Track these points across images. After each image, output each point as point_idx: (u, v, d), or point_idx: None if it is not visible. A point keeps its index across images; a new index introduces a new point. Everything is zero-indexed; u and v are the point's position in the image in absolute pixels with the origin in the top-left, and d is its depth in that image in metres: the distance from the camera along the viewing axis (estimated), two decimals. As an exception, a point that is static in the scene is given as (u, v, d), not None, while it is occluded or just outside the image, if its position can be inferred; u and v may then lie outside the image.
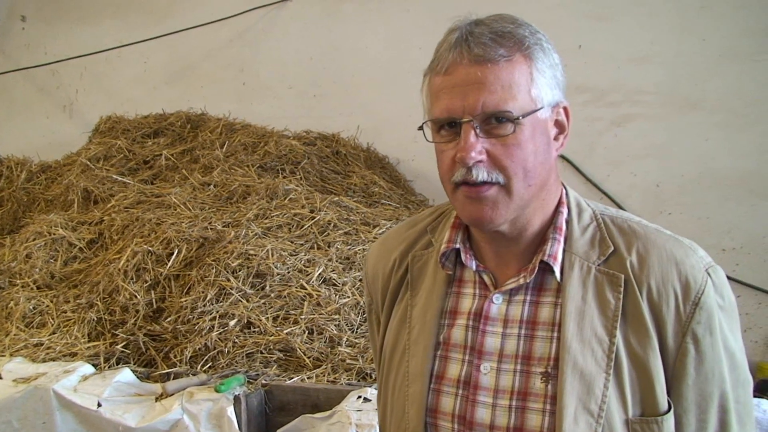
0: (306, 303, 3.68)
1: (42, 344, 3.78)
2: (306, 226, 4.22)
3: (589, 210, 1.53)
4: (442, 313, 1.56)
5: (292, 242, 4.09)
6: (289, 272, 3.83)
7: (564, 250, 1.46)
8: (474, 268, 1.53)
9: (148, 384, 3.39)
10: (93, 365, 3.55)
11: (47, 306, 4.06)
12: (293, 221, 4.28)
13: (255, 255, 3.86)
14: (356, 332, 3.62)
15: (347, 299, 3.72)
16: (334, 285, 3.83)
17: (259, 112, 5.87)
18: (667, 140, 4.92)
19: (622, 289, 1.41)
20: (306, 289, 3.75)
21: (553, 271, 1.45)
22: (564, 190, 1.55)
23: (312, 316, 3.61)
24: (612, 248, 1.45)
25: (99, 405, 3.18)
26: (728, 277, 4.38)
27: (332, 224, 4.25)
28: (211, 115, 5.89)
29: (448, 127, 1.42)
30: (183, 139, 5.65)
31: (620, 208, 4.89)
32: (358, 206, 4.53)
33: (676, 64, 4.91)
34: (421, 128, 1.49)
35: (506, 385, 1.44)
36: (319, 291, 3.75)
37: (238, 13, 6.12)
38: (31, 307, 4.05)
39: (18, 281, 4.28)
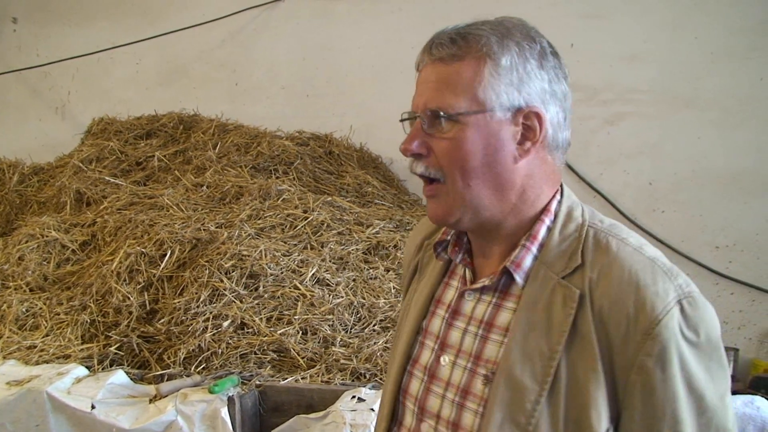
0: (300, 303, 3.68)
1: (35, 346, 3.77)
2: (299, 227, 4.21)
3: (578, 220, 1.46)
4: (432, 301, 1.62)
5: (285, 243, 4.09)
6: (282, 273, 3.83)
7: (537, 258, 1.44)
8: (458, 260, 1.58)
9: (142, 386, 3.38)
10: (86, 367, 3.54)
11: (40, 308, 4.05)
12: (286, 222, 4.27)
13: (248, 256, 3.85)
14: (350, 332, 3.62)
15: (341, 299, 3.72)
16: (328, 285, 3.83)
17: (251, 113, 5.86)
18: (660, 138, 4.94)
19: (575, 305, 1.34)
20: (299, 289, 3.74)
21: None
22: (559, 198, 1.50)
23: (306, 317, 3.61)
24: (579, 262, 1.39)
25: (93, 407, 3.17)
26: (721, 275, 4.35)
27: (325, 224, 4.24)
28: (204, 116, 5.87)
29: (413, 121, 1.49)
30: (175, 140, 5.63)
31: (613, 206, 4.92)
32: (351, 206, 4.53)
33: (668, 63, 4.92)
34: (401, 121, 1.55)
35: (456, 380, 1.47)
36: (312, 291, 3.74)
37: (230, 14, 6.11)
38: (24, 310, 4.04)
39: (11, 283, 4.26)
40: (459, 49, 1.41)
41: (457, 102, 1.40)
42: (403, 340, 1.62)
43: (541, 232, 1.45)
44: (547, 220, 1.46)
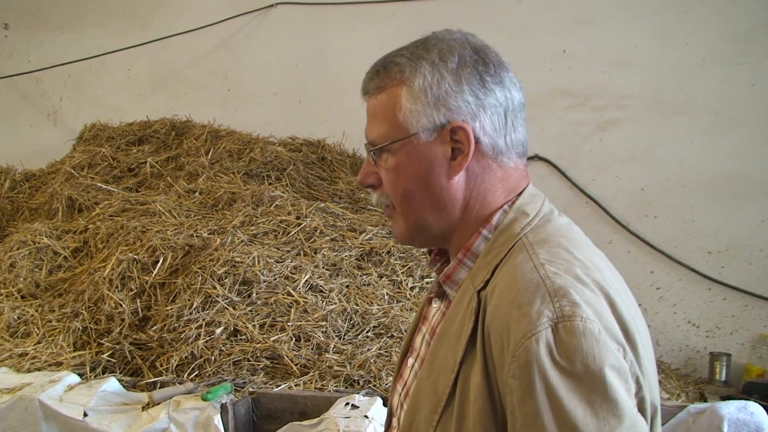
0: (293, 310, 3.68)
1: (27, 354, 3.76)
2: (292, 233, 4.21)
3: (515, 231, 1.40)
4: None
5: (278, 249, 4.08)
6: (275, 279, 3.82)
7: (469, 270, 1.43)
8: (434, 269, 1.63)
9: (135, 393, 3.37)
10: (79, 375, 3.53)
11: (32, 315, 4.03)
12: (279, 228, 4.27)
13: (241, 262, 3.85)
14: (343, 339, 3.62)
15: (334, 306, 3.72)
16: (321, 291, 3.82)
17: (244, 119, 5.86)
18: (651, 144, 4.95)
19: (474, 318, 1.31)
20: (293, 295, 3.74)
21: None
22: (506, 208, 1.46)
23: (299, 323, 3.60)
24: (489, 275, 1.35)
25: (85, 415, 3.16)
26: (713, 280, 4.35)
27: (318, 231, 4.24)
28: (196, 122, 5.87)
29: None
30: (168, 146, 5.63)
31: (606, 212, 4.93)
32: (344, 212, 4.53)
33: (659, 68, 4.94)
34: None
35: (409, 381, 1.54)
36: (305, 298, 3.74)
37: (223, 20, 6.11)
38: (15, 317, 4.02)
39: (2, 291, 4.25)
40: (380, 80, 1.47)
41: (384, 132, 1.46)
42: (403, 345, 1.69)
43: (476, 243, 1.45)
44: (485, 231, 1.45)
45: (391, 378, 3.09)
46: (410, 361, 1.57)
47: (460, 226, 1.47)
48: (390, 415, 1.67)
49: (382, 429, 1.73)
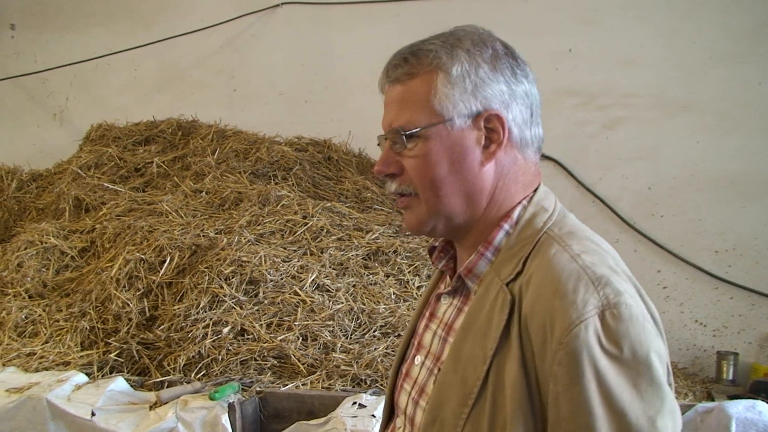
0: (300, 309, 3.68)
1: (35, 354, 3.77)
2: (299, 232, 4.21)
3: (538, 226, 1.43)
4: (427, 303, 1.66)
5: (285, 248, 4.09)
6: (282, 278, 3.82)
7: (492, 262, 1.44)
8: (440, 266, 1.63)
9: (142, 392, 3.38)
10: (86, 374, 3.54)
11: (39, 315, 4.04)
12: (286, 227, 4.27)
13: (248, 262, 3.85)
14: (350, 338, 3.62)
15: (341, 305, 3.72)
16: (328, 291, 3.83)
17: (250, 119, 5.86)
18: (657, 143, 4.95)
19: (508, 311, 1.32)
20: (299, 295, 3.74)
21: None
22: (525, 203, 1.49)
23: (306, 323, 3.61)
24: (521, 268, 1.37)
25: (93, 414, 3.16)
26: (720, 279, 4.33)
27: (325, 230, 4.24)
28: (202, 122, 5.88)
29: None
30: (174, 146, 5.63)
31: (612, 211, 4.93)
32: (350, 212, 4.54)
33: (665, 67, 4.93)
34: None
35: (420, 379, 1.52)
36: (312, 297, 3.74)
37: (228, 20, 6.11)
38: (23, 317, 4.03)
39: (10, 290, 4.26)
40: (411, 67, 1.46)
41: (417, 118, 1.44)
42: (402, 342, 1.69)
43: (498, 237, 1.46)
44: (506, 225, 1.46)
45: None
46: (418, 358, 1.56)
47: (483, 218, 1.48)
48: (388, 415, 1.67)
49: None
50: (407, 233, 1.47)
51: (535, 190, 1.51)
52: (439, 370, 1.44)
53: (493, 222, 1.47)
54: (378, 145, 1.56)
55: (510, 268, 1.39)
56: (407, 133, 1.44)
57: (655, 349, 1.25)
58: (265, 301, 3.72)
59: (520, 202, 1.48)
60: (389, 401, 1.68)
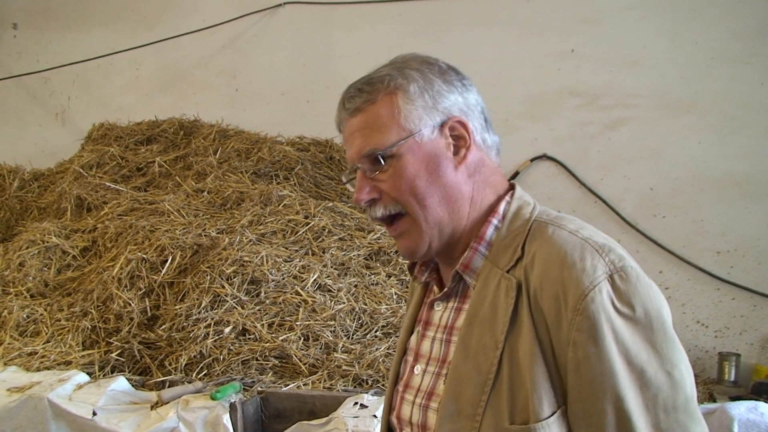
0: (301, 309, 3.68)
1: (36, 353, 3.77)
2: (300, 232, 4.21)
3: (525, 217, 1.50)
4: (416, 321, 1.68)
5: (286, 248, 4.08)
6: (284, 278, 3.82)
7: (486, 256, 1.50)
8: (423, 279, 1.66)
9: (144, 392, 3.38)
10: (87, 374, 3.54)
11: (41, 314, 4.04)
12: (287, 227, 4.27)
13: (249, 261, 3.85)
14: (352, 338, 3.62)
15: (342, 305, 3.72)
16: (330, 291, 3.82)
17: (252, 119, 5.86)
18: (660, 143, 4.94)
19: (514, 294, 1.38)
20: (301, 295, 3.74)
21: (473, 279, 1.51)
22: (508, 198, 1.56)
23: (307, 323, 3.61)
24: (520, 254, 1.44)
25: (94, 414, 3.16)
26: (722, 280, 4.34)
27: (327, 230, 4.24)
28: (204, 121, 5.88)
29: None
30: (176, 145, 5.63)
31: (614, 211, 4.92)
32: (352, 212, 4.53)
33: (668, 68, 4.92)
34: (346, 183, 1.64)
35: (425, 385, 1.54)
36: (314, 297, 3.74)
37: (230, 20, 6.11)
38: (24, 316, 4.03)
39: (11, 290, 4.26)
40: (369, 94, 1.51)
41: (386, 137, 1.49)
42: (394, 362, 1.70)
43: (488, 232, 1.51)
44: (495, 221, 1.52)
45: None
46: (418, 367, 1.57)
47: (459, 218, 1.52)
48: (389, 426, 1.66)
49: None
50: (405, 260, 1.49)
51: (512, 188, 1.58)
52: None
53: (479, 220, 1.53)
54: (346, 183, 1.62)
55: (508, 256, 1.45)
56: (383, 151, 1.48)
57: (665, 305, 1.34)
58: (267, 301, 3.71)
59: (502, 198, 1.55)
60: (386, 424, 1.67)
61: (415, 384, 1.56)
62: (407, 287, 3.96)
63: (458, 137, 1.52)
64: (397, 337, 3.59)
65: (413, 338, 1.64)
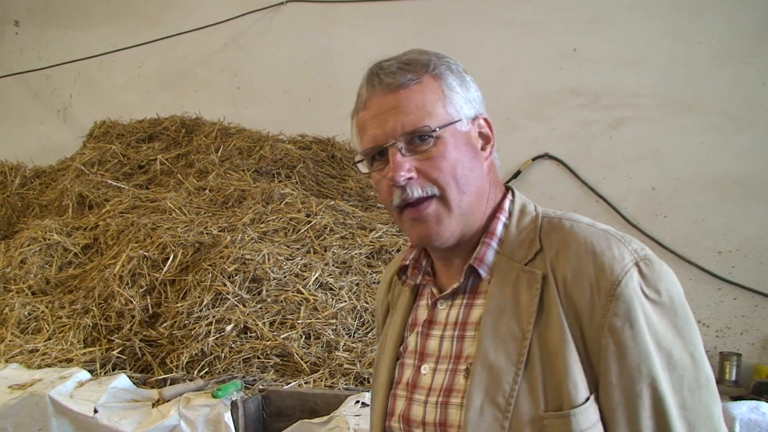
0: (303, 307, 3.68)
1: (37, 350, 3.77)
2: (302, 231, 4.21)
3: (532, 213, 1.55)
4: (406, 326, 1.67)
5: (288, 247, 4.08)
6: (285, 277, 3.82)
7: (498, 252, 1.51)
8: (418, 281, 1.65)
9: (145, 390, 3.38)
10: (89, 371, 3.54)
11: (42, 312, 4.05)
12: (289, 225, 4.27)
13: (251, 260, 3.85)
14: (353, 337, 3.62)
15: (344, 303, 3.72)
16: (331, 289, 3.82)
17: (253, 117, 5.87)
18: (661, 143, 4.94)
19: (539, 286, 1.41)
20: (303, 293, 3.74)
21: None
22: (511, 198, 1.59)
23: (309, 321, 3.61)
24: (539, 247, 1.47)
25: (95, 411, 3.16)
26: (724, 280, 4.34)
27: (328, 228, 4.24)
28: (206, 119, 5.89)
29: (379, 156, 1.52)
30: (178, 143, 5.64)
31: (616, 211, 4.92)
32: (354, 210, 4.53)
33: (670, 67, 4.92)
34: (355, 165, 1.59)
35: (438, 383, 1.51)
36: (315, 295, 3.74)
37: (232, 18, 6.12)
38: (26, 313, 4.04)
39: (13, 287, 4.26)
40: (413, 73, 1.49)
41: (434, 117, 1.47)
42: (385, 368, 1.66)
43: (498, 228, 1.54)
44: (503, 217, 1.55)
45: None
46: (426, 367, 1.55)
47: (479, 214, 1.54)
48: (388, 428, 1.61)
49: None
50: (426, 245, 1.43)
51: (509, 188, 1.62)
52: (469, 366, 1.45)
53: (488, 217, 1.55)
54: (359, 162, 1.58)
55: (524, 250, 1.48)
56: (430, 130, 1.45)
57: (682, 290, 1.40)
58: (268, 299, 3.71)
59: (505, 197, 1.59)
60: (382, 429, 1.62)
61: (425, 384, 1.54)
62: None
63: (483, 135, 1.55)
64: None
65: (412, 340, 1.61)
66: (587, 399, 1.35)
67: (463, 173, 1.48)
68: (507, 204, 1.57)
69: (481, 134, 1.55)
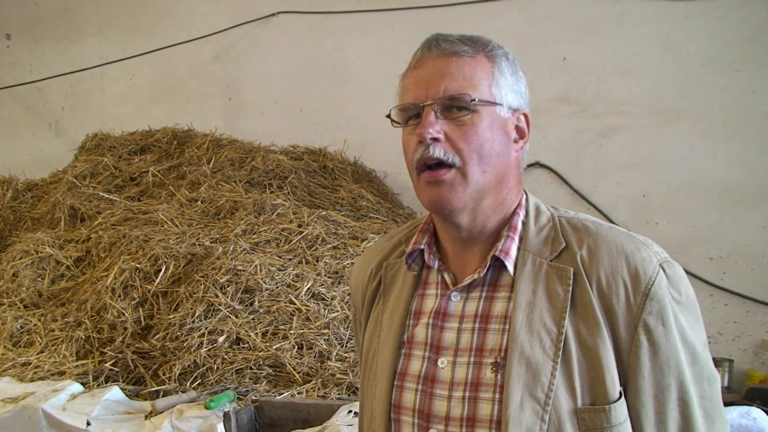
0: (295, 318, 3.68)
1: (30, 363, 3.76)
2: (294, 241, 4.21)
3: (547, 213, 1.60)
4: (408, 315, 1.62)
5: (280, 257, 4.09)
6: (277, 287, 3.82)
7: (519, 248, 1.53)
8: (435, 267, 1.61)
9: (138, 402, 3.37)
10: (82, 384, 3.53)
11: (35, 325, 4.04)
12: (281, 236, 4.27)
13: (243, 270, 3.85)
14: (346, 347, 3.61)
15: (336, 313, 3.72)
16: (323, 299, 3.82)
17: (245, 128, 5.88)
18: (652, 150, 4.95)
19: (571, 281, 1.45)
20: (295, 303, 3.74)
21: (506, 268, 1.51)
22: (525, 196, 1.63)
23: (301, 331, 3.60)
24: (564, 245, 1.51)
25: (88, 424, 3.16)
26: (715, 286, 4.36)
27: (320, 238, 4.24)
28: (198, 131, 5.89)
29: (414, 118, 1.54)
30: (170, 155, 5.64)
31: (607, 219, 4.92)
32: (346, 220, 4.54)
33: (660, 75, 4.94)
34: (389, 116, 1.60)
35: (460, 377, 1.49)
36: (308, 306, 3.74)
37: (223, 30, 6.13)
38: (18, 326, 4.03)
39: (5, 300, 4.26)
40: (471, 48, 1.52)
41: (477, 92, 1.49)
42: (386, 356, 1.61)
43: (519, 224, 1.56)
44: (522, 214, 1.58)
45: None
46: (444, 360, 1.51)
47: (500, 207, 1.56)
48: (396, 420, 1.56)
49: None
50: (436, 211, 1.40)
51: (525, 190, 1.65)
52: (499, 359, 1.46)
53: (509, 212, 1.58)
54: (408, 118, 1.55)
55: (548, 248, 1.52)
56: (470, 100, 1.48)
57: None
58: (261, 310, 3.71)
59: (523, 195, 1.62)
60: (386, 422, 1.57)
61: (445, 378, 1.50)
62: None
63: (520, 129, 1.58)
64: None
65: (421, 330, 1.57)
66: (621, 394, 1.41)
67: (488, 153, 1.50)
68: (523, 202, 1.61)
69: (517, 128, 1.57)
